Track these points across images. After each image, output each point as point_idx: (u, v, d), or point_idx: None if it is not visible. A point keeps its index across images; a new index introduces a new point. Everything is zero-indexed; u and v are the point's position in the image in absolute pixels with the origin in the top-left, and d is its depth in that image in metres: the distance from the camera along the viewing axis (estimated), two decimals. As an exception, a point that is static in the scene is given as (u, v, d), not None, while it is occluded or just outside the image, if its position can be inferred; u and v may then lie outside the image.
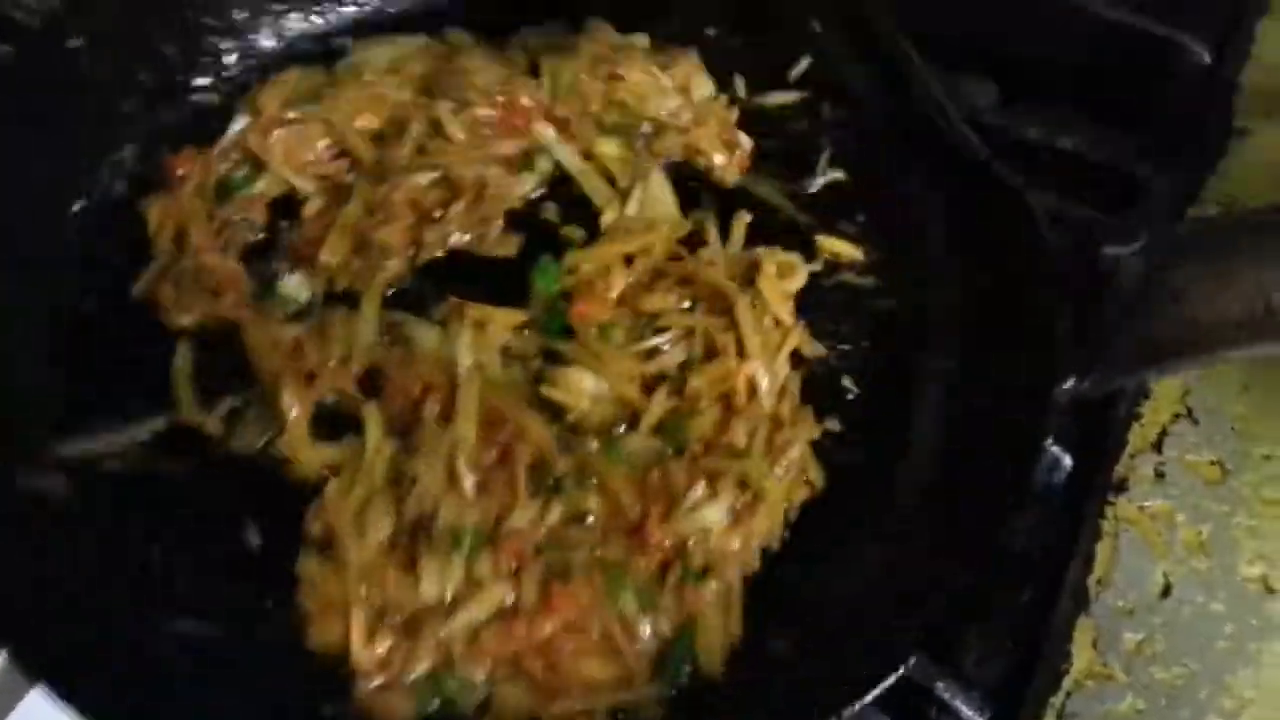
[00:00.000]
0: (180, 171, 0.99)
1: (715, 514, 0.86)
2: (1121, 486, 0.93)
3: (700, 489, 0.87)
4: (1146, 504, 0.93)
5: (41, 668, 0.71)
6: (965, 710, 0.83)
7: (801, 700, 0.75)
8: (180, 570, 0.82)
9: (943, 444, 0.89)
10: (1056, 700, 0.84)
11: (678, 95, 1.10)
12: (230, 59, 1.09)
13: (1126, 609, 0.88)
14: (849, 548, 0.87)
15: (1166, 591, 0.89)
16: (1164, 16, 1.17)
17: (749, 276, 0.98)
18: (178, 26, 1.05)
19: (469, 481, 0.84)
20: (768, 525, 0.87)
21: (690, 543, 0.85)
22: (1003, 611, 0.87)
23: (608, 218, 1.03)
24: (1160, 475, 0.94)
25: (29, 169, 0.95)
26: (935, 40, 1.04)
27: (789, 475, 0.89)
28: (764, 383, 0.92)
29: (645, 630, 0.82)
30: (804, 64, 1.11)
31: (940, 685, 0.82)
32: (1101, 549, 0.90)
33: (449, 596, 0.81)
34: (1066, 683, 0.84)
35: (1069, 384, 0.82)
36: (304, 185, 1.02)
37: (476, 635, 0.80)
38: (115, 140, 1.01)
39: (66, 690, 0.69)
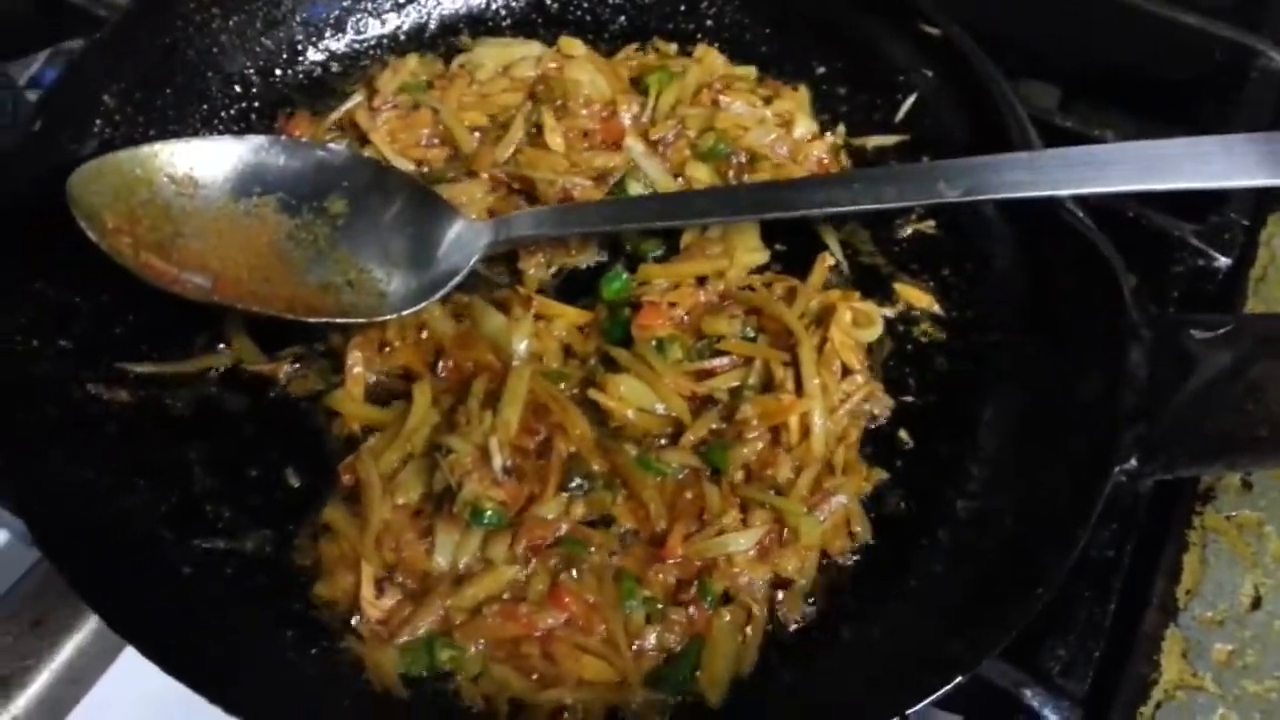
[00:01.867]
0: (296, 134, 1.04)
1: (743, 542, 0.84)
2: (1208, 496, 0.90)
3: (732, 515, 0.86)
4: (1233, 514, 0.89)
5: (77, 572, 0.74)
6: (1053, 719, 0.80)
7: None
8: (221, 496, 0.85)
9: (993, 508, 0.86)
10: (1146, 710, 0.81)
11: (778, 129, 1.11)
12: (348, 36, 1.14)
13: (1216, 620, 0.85)
14: (873, 603, 0.84)
15: (1257, 604, 0.86)
16: (1240, 22, 1.20)
17: (820, 318, 0.97)
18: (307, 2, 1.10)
19: (498, 461, 0.85)
20: (797, 565, 0.84)
21: (714, 566, 0.83)
22: (1089, 620, 0.84)
23: (687, 237, 1.04)
24: (1247, 486, 0.90)
25: (141, 115, 1.00)
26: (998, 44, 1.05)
27: (830, 522, 0.87)
28: (818, 425, 0.90)
29: (650, 640, 0.80)
30: (908, 105, 1.09)
31: (1028, 693, 0.80)
32: (1189, 559, 0.87)
33: (460, 568, 0.82)
34: (1156, 693, 0.82)
35: (1131, 464, 0.78)
36: (402, 166, 1.06)
37: (479, 611, 0.80)
38: (232, 99, 1.06)
39: (94, 589, 0.71)
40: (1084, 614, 0.87)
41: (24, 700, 0.97)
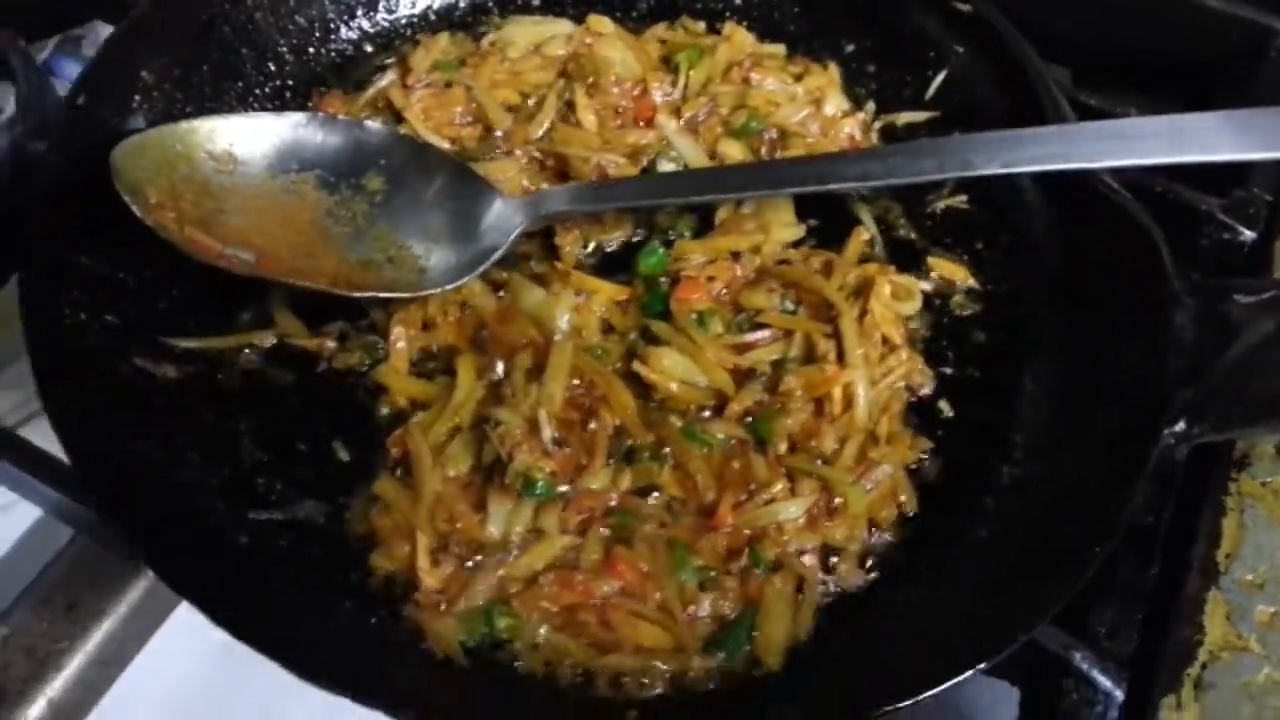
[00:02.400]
0: (330, 111, 1.04)
1: (792, 510, 0.85)
2: (1243, 463, 0.90)
3: (781, 485, 0.86)
4: (1269, 480, 0.90)
5: (140, 540, 0.73)
6: (1103, 681, 0.81)
7: (854, 698, 0.73)
8: (272, 469, 0.85)
9: (1039, 475, 0.86)
10: (1193, 671, 0.82)
11: (809, 106, 1.11)
12: (380, 15, 1.14)
13: (1257, 583, 0.86)
14: (926, 569, 0.84)
15: None
16: (1258, 2, 1.20)
17: (859, 291, 0.98)
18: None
19: (547, 433, 0.85)
20: (845, 534, 0.85)
21: (764, 535, 0.84)
22: (1132, 585, 0.85)
23: (722, 213, 1.04)
24: (1280, 451, 0.92)
25: (179, 91, 1.00)
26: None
27: (876, 491, 0.87)
28: (861, 395, 0.91)
29: (704, 607, 0.81)
30: (938, 81, 1.10)
31: (1077, 656, 0.81)
32: (1228, 524, 0.88)
33: (513, 539, 0.82)
34: (1202, 654, 0.83)
35: (1179, 426, 0.79)
36: (436, 144, 1.06)
37: (535, 580, 0.81)
38: (267, 76, 1.06)
39: (154, 556, 0.72)
40: (1126, 579, 0.88)
41: (60, 682, 0.98)
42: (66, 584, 1.01)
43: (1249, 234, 1.10)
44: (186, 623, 1.05)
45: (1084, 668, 0.82)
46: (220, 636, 1.09)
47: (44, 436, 1.18)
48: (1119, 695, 0.83)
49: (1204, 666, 0.83)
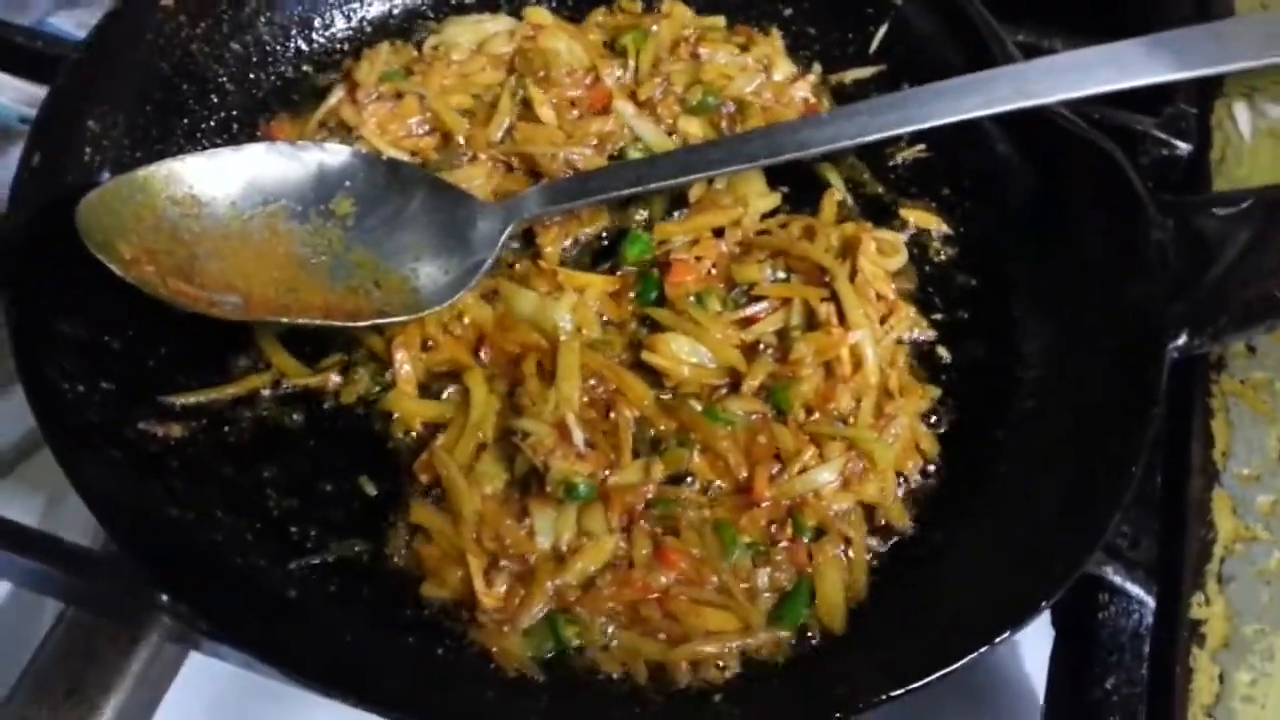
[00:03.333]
0: (281, 138, 1.01)
1: (826, 475, 0.87)
2: (1220, 365, 0.96)
3: (809, 452, 0.88)
4: (1246, 377, 0.96)
5: (207, 615, 0.71)
6: (1135, 589, 0.85)
7: (928, 650, 0.75)
8: (302, 515, 0.83)
9: (1051, 406, 0.89)
10: (1213, 567, 0.87)
11: (759, 74, 1.12)
12: (316, 34, 1.10)
13: (1254, 475, 0.92)
14: (965, 513, 0.87)
15: None
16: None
17: (844, 251, 0.99)
18: (270, 1, 1.06)
19: (579, 435, 0.85)
20: (878, 489, 0.87)
21: (803, 503, 0.86)
22: (1140, 495, 0.87)
23: (696, 192, 1.04)
24: (1251, 350, 0.97)
25: (126, 137, 0.95)
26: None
27: (898, 443, 0.89)
28: (869, 353, 0.92)
29: (761, 581, 0.82)
30: (880, 34, 1.12)
31: (1109, 570, 0.85)
32: (1217, 424, 0.94)
33: (564, 546, 0.82)
34: (1218, 550, 0.88)
35: (1181, 340, 0.83)
36: (397, 157, 1.03)
37: (592, 583, 0.80)
38: (211, 109, 1.02)
39: (222, 627, 0.70)
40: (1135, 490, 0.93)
41: (72, 770, 0.94)
42: (61, 666, 0.97)
43: (1184, 147, 1.16)
44: (192, 683, 1.02)
45: (1117, 580, 0.87)
46: (224, 693, 1.07)
47: (10, 502, 1.14)
48: (1151, 602, 0.88)
49: (1222, 561, 0.89)
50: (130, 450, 0.80)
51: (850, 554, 0.84)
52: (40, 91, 1.37)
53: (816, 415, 0.91)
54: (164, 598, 0.83)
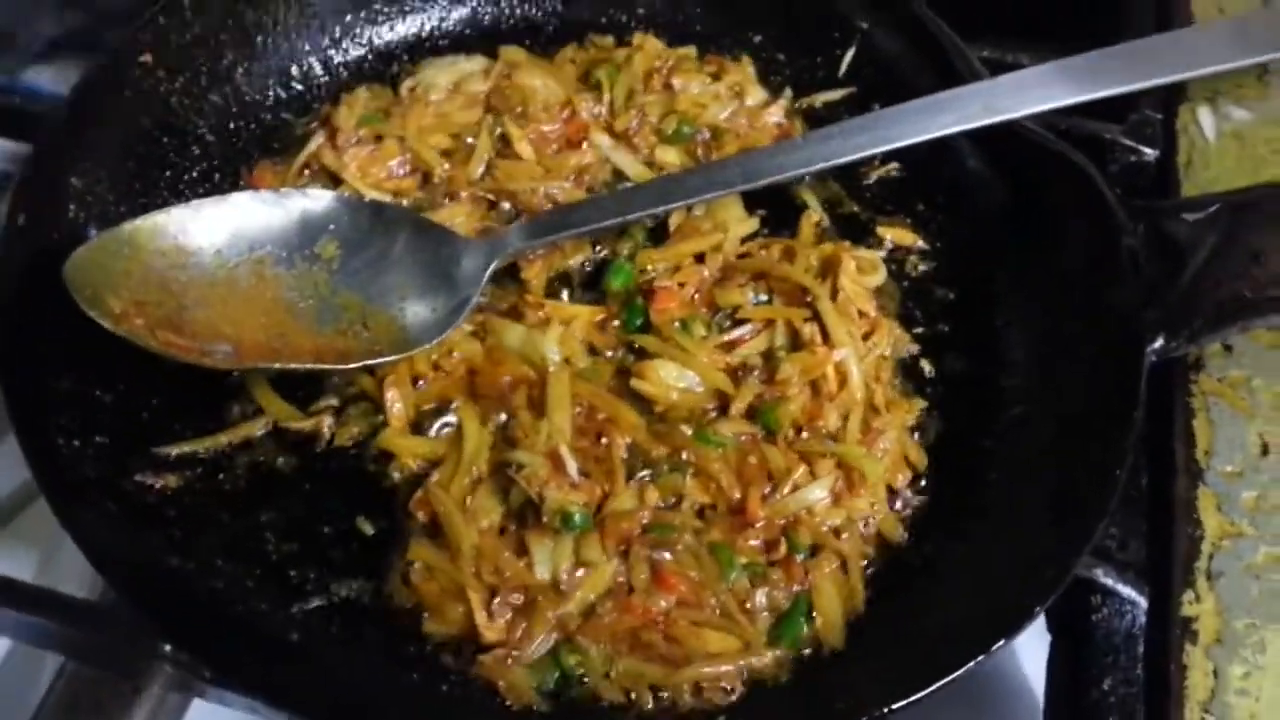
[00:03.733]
0: (263, 185, 1.02)
1: (817, 493, 0.88)
2: (1198, 365, 0.98)
3: (800, 470, 0.89)
4: (1223, 375, 0.98)
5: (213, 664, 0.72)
6: (1126, 590, 0.87)
7: (925, 661, 0.76)
8: (301, 558, 0.83)
9: (1036, 412, 0.91)
10: (1201, 564, 0.88)
11: (732, 101, 1.14)
12: (293, 81, 1.11)
13: (1236, 472, 0.93)
14: (956, 523, 0.88)
15: (1265, 450, 0.94)
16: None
17: (824, 271, 1.01)
18: (245, 51, 1.07)
19: (572, 466, 0.86)
20: (869, 504, 0.88)
21: (797, 521, 0.87)
22: (1129, 497, 0.90)
23: (675, 219, 1.06)
24: (1228, 349, 0.99)
25: (110, 193, 0.96)
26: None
27: (888, 458, 0.91)
28: (854, 371, 0.94)
29: (760, 600, 0.83)
30: (849, 57, 1.15)
31: (1099, 572, 0.86)
32: (1199, 423, 0.95)
33: (562, 576, 0.82)
34: (1205, 547, 0.89)
35: (1158, 344, 0.85)
36: (378, 199, 1.04)
37: (593, 611, 0.81)
38: (193, 161, 1.03)
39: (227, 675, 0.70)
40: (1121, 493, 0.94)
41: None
42: (67, 719, 0.97)
43: (1150, 154, 1.18)
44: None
45: (1108, 583, 0.88)
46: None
47: (4, 557, 1.13)
48: (1143, 601, 0.89)
49: (1210, 558, 0.90)
50: (127, 502, 0.80)
51: (847, 569, 0.85)
52: (19, 148, 1.40)
53: (805, 434, 0.92)
54: (166, 647, 0.83)
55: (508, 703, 0.77)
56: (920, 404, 0.95)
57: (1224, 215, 0.87)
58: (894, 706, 0.70)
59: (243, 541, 0.83)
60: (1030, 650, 1.03)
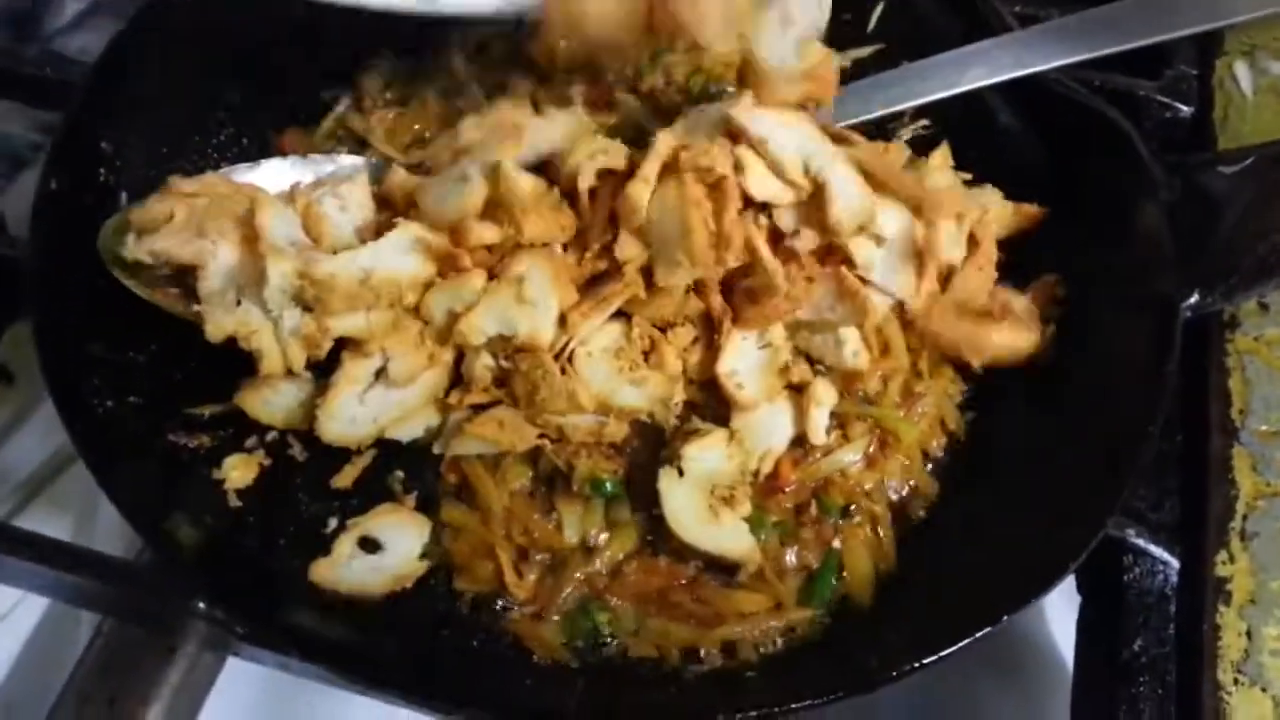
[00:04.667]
0: (291, 149, 1.02)
1: (849, 457, 0.87)
2: (1234, 324, 0.97)
3: (834, 434, 0.88)
4: (1259, 334, 0.97)
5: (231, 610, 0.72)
6: (1158, 551, 0.87)
7: (955, 617, 0.75)
8: (332, 516, 0.84)
9: (1073, 370, 0.90)
10: (1235, 524, 0.88)
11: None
12: (323, 48, 1.11)
13: (1272, 431, 0.92)
14: (989, 480, 0.88)
15: None
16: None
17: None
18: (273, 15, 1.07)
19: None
20: (903, 466, 0.88)
21: (829, 483, 0.86)
22: (1160, 457, 0.89)
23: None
24: (1264, 307, 0.98)
25: (140, 157, 0.96)
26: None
27: (924, 421, 0.90)
28: (896, 334, 0.91)
29: (790, 560, 0.83)
30: (877, 12, 1.13)
31: (1131, 533, 0.86)
32: (1234, 382, 0.94)
33: (591, 541, 0.83)
34: (1240, 507, 0.89)
35: (1193, 299, 0.84)
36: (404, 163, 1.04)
37: (620, 570, 0.82)
38: (220, 125, 1.03)
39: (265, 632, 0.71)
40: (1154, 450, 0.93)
41: (115, 777, 0.95)
42: (102, 677, 0.99)
43: (1186, 110, 1.16)
44: (230, 689, 1.04)
45: (1140, 543, 0.88)
46: (262, 697, 1.09)
47: (41, 522, 1.16)
48: (1175, 562, 0.88)
49: (1244, 518, 0.90)
50: (162, 461, 0.81)
51: (880, 531, 0.85)
52: (48, 118, 1.41)
53: (843, 397, 0.90)
54: (202, 605, 0.84)
55: (537, 658, 0.78)
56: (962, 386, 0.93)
57: (1261, 168, 0.85)
58: (924, 662, 0.70)
59: (275, 499, 0.83)
60: (1058, 616, 1.04)
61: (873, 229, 0.85)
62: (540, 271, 0.82)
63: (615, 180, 0.86)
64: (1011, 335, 0.89)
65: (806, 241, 0.85)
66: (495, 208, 0.85)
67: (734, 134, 0.86)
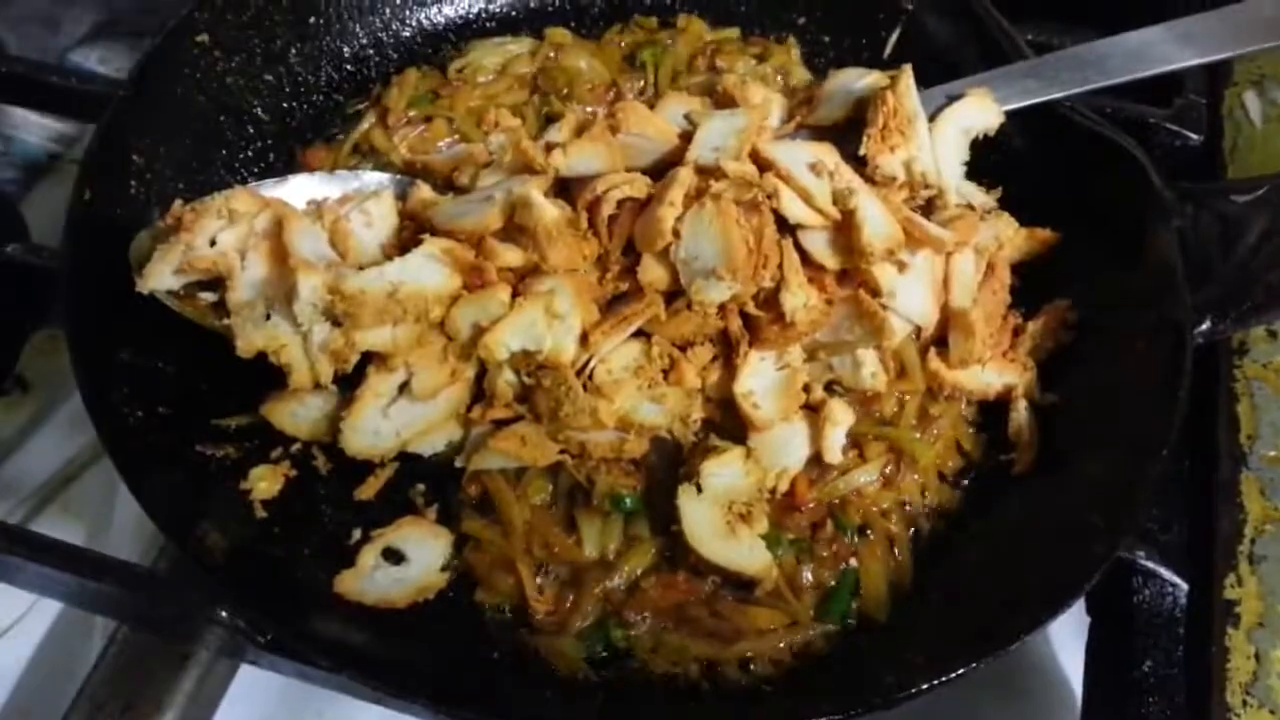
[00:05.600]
0: (315, 165, 1.03)
1: (865, 477, 0.89)
2: (1243, 350, 0.98)
3: (850, 454, 0.89)
4: (1268, 361, 0.98)
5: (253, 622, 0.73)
6: (1168, 573, 0.88)
7: (971, 637, 0.76)
8: (354, 528, 0.85)
9: (1084, 394, 0.91)
10: (1244, 548, 0.89)
11: (776, 82, 1.14)
12: (344, 63, 1.13)
13: (1279, 457, 0.93)
14: (1004, 501, 0.89)
15: None
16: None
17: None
18: (298, 32, 1.09)
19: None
20: (919, 486, 0.89)
21: (846, 502, 0.88)
22: (1172, 481, 0.90)
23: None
24: (1272, 334, 0.99)
25: (169, 170, 0.98)
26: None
27: (940, 443, 0.91)
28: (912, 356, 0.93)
29: (807, 577, 0.84)
30: (893, 39, 1.15)
31: (1141, 554, 0.87)
32: (1242, 408, 0.96)
33: (610, 555, 0.84)
34: (1248, 531, 0.90)
35: (1205, 326, 0.85)
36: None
37: (638, 586, 0.83)
38: (248, 140, 1.05)
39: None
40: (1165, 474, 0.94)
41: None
42: (116, 684, 0.99)
43: (1195, 138, 1.18)
44: (244, 697, 1.04)
45: (1150, 565, 0.89)
46: (276, 707, 1.10)
47: (54, 529, 1.17)
48: (1184, 584, 0.89)
49: (1253, 542, 0.91)
50: (189, 470, 0.82)
51: (896, 549, 0.86)
52: (64, 127, 1.43)
53: (860, 418, 0.91)
54: (222, 612, 0.85)
55: (557, 671, 0.79)
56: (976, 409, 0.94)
57: (1274, 197, 0.86)
58: (942, 679, 0.71)
59: (299, 510, 0.85)
60: (1066, 639, 1.05)
61: (900, 254, 0.86)
62: (564, 290, 0.84)
63: (634, 205, 0.88)
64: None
65: (832, 264, 0.86)
66: (517, 230, 0.86)
67: (761, 164, 0.87)
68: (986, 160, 1.07)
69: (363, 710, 1.03)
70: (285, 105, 1.07)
